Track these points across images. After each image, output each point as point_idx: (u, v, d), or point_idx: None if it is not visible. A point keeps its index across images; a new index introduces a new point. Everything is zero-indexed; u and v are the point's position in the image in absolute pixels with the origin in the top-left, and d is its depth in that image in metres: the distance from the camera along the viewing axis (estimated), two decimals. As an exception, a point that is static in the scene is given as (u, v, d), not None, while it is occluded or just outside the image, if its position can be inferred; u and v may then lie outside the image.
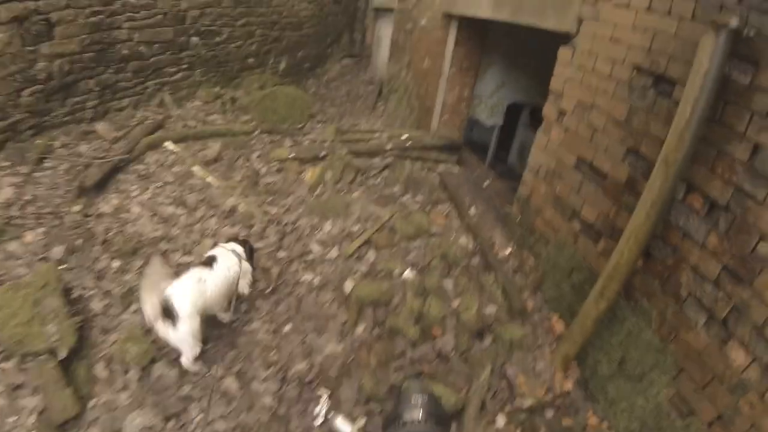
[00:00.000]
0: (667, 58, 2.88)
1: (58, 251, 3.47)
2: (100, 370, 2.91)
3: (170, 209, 4.13)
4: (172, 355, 3.04)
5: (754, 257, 2.27)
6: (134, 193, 4.23)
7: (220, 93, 6.64)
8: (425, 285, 3.76)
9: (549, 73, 6.38)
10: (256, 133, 5.94)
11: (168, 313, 2.71)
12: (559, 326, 3.69)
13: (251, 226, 4.17)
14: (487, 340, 3.45)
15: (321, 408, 2.99)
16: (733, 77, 2.42)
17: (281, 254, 4.02)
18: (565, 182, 3.78)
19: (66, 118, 4.89)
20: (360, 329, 3.46)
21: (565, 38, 3.86)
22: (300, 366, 3.17)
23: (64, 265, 3.42)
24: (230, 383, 3.01)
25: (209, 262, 3.12)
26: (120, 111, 5.51)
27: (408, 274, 3.90)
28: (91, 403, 2.75)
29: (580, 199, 3.59)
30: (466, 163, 6.37)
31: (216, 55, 6.89)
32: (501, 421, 3.03)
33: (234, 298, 3.27)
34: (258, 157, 5.41)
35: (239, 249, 3.33)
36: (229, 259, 3.20)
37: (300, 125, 6.59)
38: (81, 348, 2.94)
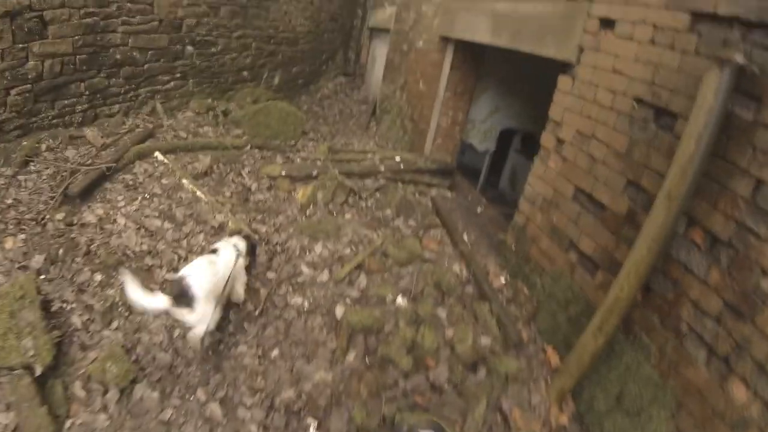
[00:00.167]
0: (669, 91, 2.88)
1: (38, 260, 3.30)
2: (78, 389, 2.74)
3: (157, 222, 3.98)
4: (154, 377, 2.89)
5: (756, 293, 2.25)
6: (120, 204, 4.08)
7: (213, 105, 6.52)
8: (418, 313, 3.67)
9: (543, 99, 6.43)
10: (248, 148, 5.83)
11: (184, 295, 2.77)
12: (554, 358, 3.61)
13: (239, 249, 4.03)
14: (482, 373, 3.35)
15: (309, 439, 2.86)
16: (736, 113, 2.43)
17: (270, 275, 3.89)
18: (562, 212, 3.74)
19: (54, 121, 4.73)
20: (351, 357, 3.34)
21: (564, 66, 3.86)
22: (288, 394, 3.03)
23: (44, 276, 3.25)
24: (214, 409, 2.86)
25: (214, 252, 3.20)
26: (110, 117, 5.36)
27: (400, 301, 3.81)
28: (67, 424, 2.57)
29: (578, 230, 3.56)
30: (459, 187, 6.34)
31: (210, 66, 6.79)
32: (496, 458, 2.93)
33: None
34: (249, 172, 5.30)
35: (240, 245, 3.38)
36: (229, 253, 3.24)
37: (292, 142, 6.51)
38: (58, 365, 2.77)
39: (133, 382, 2.83)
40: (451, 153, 6.95)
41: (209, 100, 6.64)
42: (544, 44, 4.17)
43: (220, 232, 4.12)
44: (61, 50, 4.56)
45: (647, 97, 3.03)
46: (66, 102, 4.80)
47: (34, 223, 3.59)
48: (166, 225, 4.00)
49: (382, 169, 5.88)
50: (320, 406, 2.99)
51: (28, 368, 2.61)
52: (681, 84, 2.80)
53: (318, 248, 4.29)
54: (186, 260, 3.72)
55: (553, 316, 3.72)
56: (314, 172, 5.40)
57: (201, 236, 4.00)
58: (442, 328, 3.60)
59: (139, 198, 4.21)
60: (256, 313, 3.53)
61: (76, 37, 4.70)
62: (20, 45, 4.19)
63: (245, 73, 7.64)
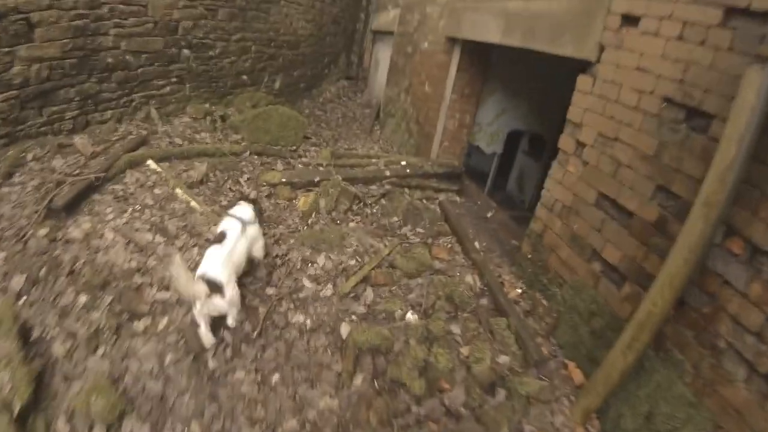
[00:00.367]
0: (701, 90, 2.64)
1: (18, 281, 3.05)
2: (62, 425, 2.48)
3: (148, 236, 3.72)
4: (144, 409, 2.63)
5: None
6: (109, 217, 3.82)
7: (211, 110, 6.27)
8: (430, 330, 3.39)
9: (551, 100, 6.16)
10: (247, 154, 5.58)
11: (213, 286, 2.87)
12: (576, 374, 3.35)
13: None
14: (501, 395, 3.08)
15: (313, 476, 2.60)
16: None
17: (269, 291, 3.62)
18: (584, 219, 3.48)
19: (42, 129, 4.50)
20: (358, 381, 3.06)
21: (583, 65, 3.62)
22: (290, 423, 2.75)
23: (25, 298, 3.00)
24: (209, 444, 2.60)
25: (220, 238, 3.24)
26: (102, 124, 5.12)
27: (410, 316, 3.54)
28: (51, 465, 2.33)
29: (602, 238, 3.29)
30: (467, 192, 6.08)
31: (208, 70, 6.55)
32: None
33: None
34: (247, 180, 5.04)
35: (245, 214, 3.51)
36: (236, 233, 3.32)
37: (293, 147, 6.25)
38: (39, 399, 2.52)
39: (122, 416, 2.57)
40: (459, 156, 6.70)
41: (207, 105, 6.40)
42: (561, 43, 3.92)
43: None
44: (49, 54, 4.33)
45: (677, 96, 2.80)
46: (55, 109, 4.56)
47: (15, 239, 3.35)
48: (158, 239, 3.74)
49: (388, 174, 5.63)
50: (326, 438, 2.72)
51: (6, 406, 2.36)
52: (715, 82, 2.57)
53: (321, 260, 4.03)
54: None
55: (575, 330, 3.45)
56: (316, 179, 5.15)
57: (195, 250, 3.73)
58: (457, 347, 3.33)
59: (129, 210, 3.95)
60: (255, 334, 3.26)
61: (65, 41, 4.48)
62: (5, 49, 3.98)
63: (244, 77, 7.41)
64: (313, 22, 8.97)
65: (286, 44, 8.31)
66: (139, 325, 3.09)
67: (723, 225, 2.43)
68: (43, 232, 3.45)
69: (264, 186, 4.98)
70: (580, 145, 3.58)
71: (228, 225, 3.36)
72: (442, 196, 5.67)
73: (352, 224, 4.68)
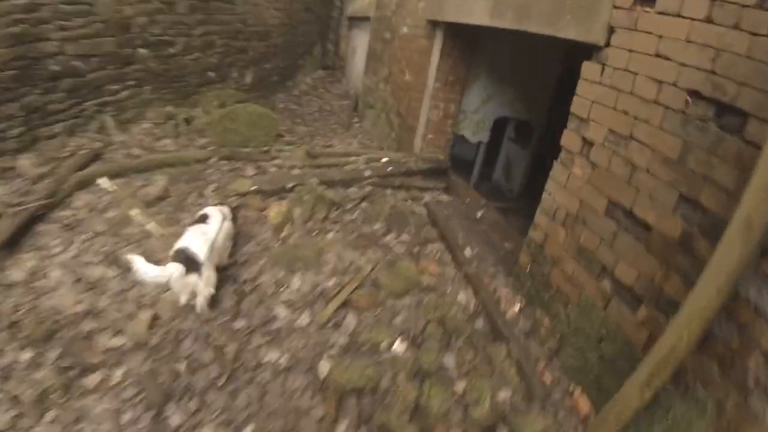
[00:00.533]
0: (736, 83, 2.21)
1: (-55, 341, 2.63)
2: None
3: (99, 270, 3.29)
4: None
5: None
6: (55, 250, 3.39)
7: (173, 113, 5.78)
8: (421, 363, 3.02)
9: (539, 84, 5.65)
10: (213, 160, 5.13)
11: (190, 263, 2.91)
12: (583, 403, 3.00)
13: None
14: (502, 438, 2.73)
15: None
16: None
17: (239, 324, 3.22)
18: (592, 231, 3.07)
19: (-19, 151, 4.04)
20: (342, 428, 2.69)
21: (590, 50, 3.15)
22: (264, 489, 2.39)
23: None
24: None
25: (203, 219, 3.36)
26: (51, 139, 4.64)
27: (398, 347, 3.16)
28: None
29: (614, 253, 2.89)
30: (454, 188, 5.68)
31: (169, 69, 6.05)
32: None
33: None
34: (214, 191, 4.59)
35: (225, 210, 3.64)
36: (219, 216, 3.43)
37: (265, 148, 5.80)
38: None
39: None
40: (444, 149, 6.28)
41: (169, 108, 5.90)
42: (562, 24, 3.43)
43: (176, 274, 3.44)
44: (-18, 67, 3.86)
45: (705, 89, 2.35)
46: (-6, 127, 4.09)
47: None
48: (110, 272, 3.31)
49: (368, 173, 5.21)
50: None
51: None
52: (752, 74, 2.13)
53: (296, 282, 3.62)
54: (133, 318, 3.05)
55: (582, 354, 3.09)
56: (290, 185, 4.71)
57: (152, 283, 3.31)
58: (451, 382, 2.95)
59: (78, 240, 3.51)
60: (223, 379, 2.87)
61: (2, 51, 4.00)
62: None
63: (211, 74, 6.91)
64: (283, 11, 8.46)
65: (256, 35, 7.80)
66: (91, 380, 2.68)
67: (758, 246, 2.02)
68: (-24, 277, 3.02)
69: (232, 196, 4.54)
70: (588, 143, 3.15)
71: (210, 211, 3.47)
72: (428, 196, 5.27)
73: (330, 235, 4.27)
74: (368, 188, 5.06)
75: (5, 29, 4.00)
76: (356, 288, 3.59)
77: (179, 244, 3.03)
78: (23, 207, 3.51)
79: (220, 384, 2.83)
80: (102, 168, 4.28)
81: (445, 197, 5.39)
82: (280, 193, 4.66)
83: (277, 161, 5.53)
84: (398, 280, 3.68)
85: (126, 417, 2.54)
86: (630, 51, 2.81)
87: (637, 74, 2.76)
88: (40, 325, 2.83)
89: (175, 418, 2.60)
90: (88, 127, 5.01)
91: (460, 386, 2.92)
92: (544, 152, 7.39)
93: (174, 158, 4.80)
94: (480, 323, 3.43)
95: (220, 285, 3.40)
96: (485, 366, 3.07)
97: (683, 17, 2.47)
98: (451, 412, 2.76)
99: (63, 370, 2.67)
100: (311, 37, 9.66)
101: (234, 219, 3.79)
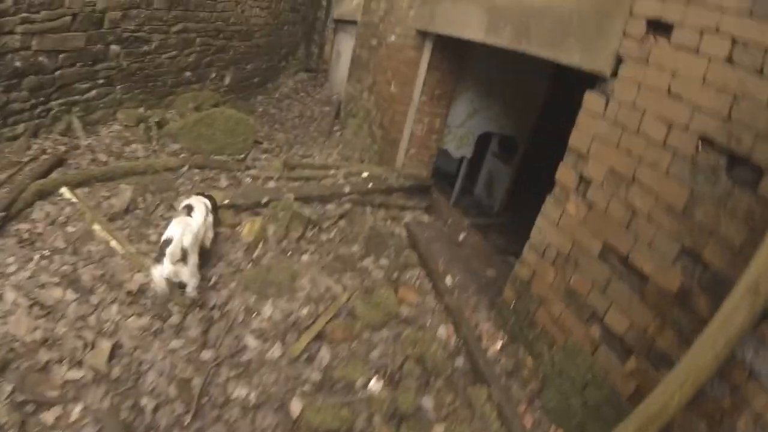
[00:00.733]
0: (753, 134, 2.08)
1: None
2: None
3: (57, 293, 3.03)
4: None
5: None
6: (10, 269, 3.10)
7: (145, 115, 5.49)
8: (398, 404, 2.85)
9: (525, 100, 5.45)
10: (185, 169, 4.87)
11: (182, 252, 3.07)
12: (564, 449, 2.89)
13: (165, 317, 3.13)
14: (481, 491, 2.59)
15: None
16: None
17: (206, 355, 3.00)
18: (584, 274, 2.92)
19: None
20: (311, 476, 2.53)
21: (594, 80, 2.99)
22: None
23: None
24: None
25: (188, 210, 3.47)
26: (13, 140, 4.33)
27: (374, 385, 2.99)
28: None
29: (606, 300, 2.76)
30: (436, 207, 5.53)
31: (143, 68, 5.76)
32: None
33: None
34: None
35: (208, 202, 3.77)
36: (202, 208, 3.60)
37: (241, 156, 5.58)
38: None
39: None
40: (427, 165, 6.11)
41: (141, 110, 5.61)
42: (565, 48, 3.25)
43: (139, 298, 3.20)
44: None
45: (719, 137, 2.21)
46: (-52, 128, 3.79)
47: None
48: (69, 295, 3.05)
49: (347, 189, 5.02)
50: None
51: None
52: (773, 126, 2.01)
53: (267, 309, 3.42)
54: (93, 347, 2.81)
55: (565, 398, 2.96)
56: (264, 199, 4.50)
57: (114, 308, 3.07)
58: (429, 425, 2.80)
59: (36, 257, 3.24)
60: (189, 417, 2.65)
61: (-42, 44, 3.70)
62: None
63: (188, 74, 6.63)
64: (268, 10, 8.19)
65: (237, 35, 7.53)
66: (48, 416, 2.44)
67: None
68: None
69: (204, 210, 4.31)
70: (585, 181, 2.99)
71: (193, 202, 3.60)
72: (408, 216, 5.11)
73: (305, 257, 4.07)
74: (347, 205, 4.88)
75: (-36, 21, 3.71)
76: (331, 318, 3.41)
77: (166, 234, 3.14)
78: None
79: (185, 422, 2.62)
80: (64, 176, 3.99)
81: (426, 217, 5.24)
82: (254, 208, 4.45)
83: (252, 171, 5.31)
84: (376, 311, 3.51)
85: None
86: (639, 86, 2.64)
87: (645, 112, 2.60)
88: (-8, 355, 2.59)
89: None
90: (53, 128, 4.70)
91: (438, 430, 2.77)
92: (528, 169, 7.37)
93: (143, 166, 4.53)
94: (460, 361, 3.28)
95: (188, 311, 3.20)
96: (465, 409, 2.92)
97: (701, 55, 2.32)
98: (428, 462, 2.61)
99: (18, 406, 2.42)
100: (296, 38, 9.40)
101: (215, 210, 3.91)
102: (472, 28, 4.38)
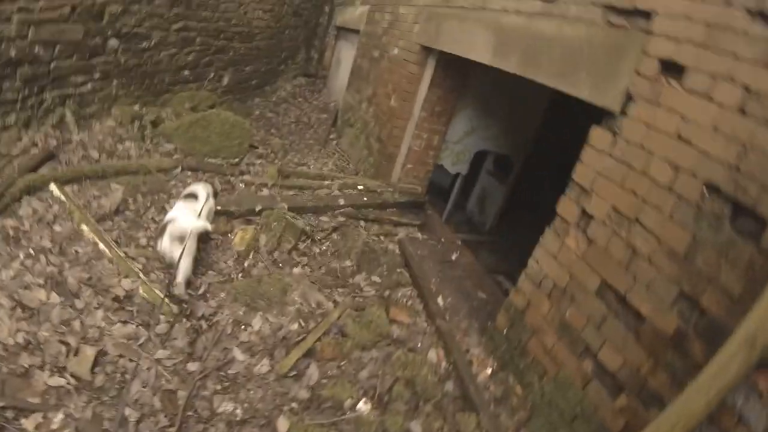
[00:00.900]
0: (759, 185, 2.06)
1: None
2: None
3: (41, 295, 2.92)
4: None
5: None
6: (-6, 268, 3.02)
7: (140, 113, 5.38)
8: (386, 427, 2.80)
9: (521, 120, 5.37)
10: (178, 170, 4.78)
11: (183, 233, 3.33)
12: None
13: (151, 325, 3.04)
14: None
15: None
16: None
17: (192, 366, 2.92)
18: (579, 309, 2.89)
19: None
20: (295, 501, 2.45)
21: (602, 115, 2.96)
22: None
23: None
24: None
25: (192, 196, 3.82)
26: (4, 131, 4.20)
27: (362, 406, 2.93)
28: None
29: (600, 336, 2.73)
30: (430, 224, 5.49)
31: (141, 64, 5.65)
32: None
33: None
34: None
35: (209, 187, 4.05)
36: (204, 194, 3.87)
37: (236, 160, 5.50)
38: None
39: None
40: (423, 181, 6.08)
41: (136, 107, 5.49)
42: (574, 80, 3.19)
43: (126, 304, 3.10)
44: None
45: (726, 186, 2.19)
46: (-62, 116, 3.67)
47: None
48: (54, 298, 2.94)
49: (342, 202, 4.97)
50: None
51: None
52: (780, 180, 1.99)
53: (256, 323, 3.35)
54: (77, 353, 2.71)
55: (553, 428, 2.91)
56: (258, 207, 4.43)
57: (99, 314, 2.97)
58: (417, 452, 2.76)
59: (21, 256, 3.14)
60: (173, 429, 2.56)
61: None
62: None
63: (186, 73, 6.53)
64: (271, 13, 8.13)
65: (238, 36, 7.45)
66: (29, 423, 2.34)
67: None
68: None
69: (197, 214, 4.23)
70: (587, 216, 2.96)
71: (196, 189, 3.89)
72: (402, 233, 5.06)
73: (297, 270, 4.00)
74: (341, 218, 4.83)
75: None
76: (321, 335, 3.35)
77: (168, 215, 3.52)
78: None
79: (168, 434, 2.54)
80: (54, 172, 3.89)
81: (419, 235, 5.19)
82: (246, 216, 4.37)
83: (246, 177, 5.23)
84: (366, 330, 3.45)
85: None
86: (648, 126, 2.62)
87: (652, 154, 2.57)
88: (-31, 358, 2.48)
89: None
90: (46, 120, 4.57)
91: (426, 459, 2.73)
92: (521, 189, 7.39)
93: (135, 165, 4.44)
94: (450, 386, 3.22)
95: (175, 320, 3.11)
96: (454, 438, 2.88)
97: (713, 101, 2.30)
98: (415, 492, 2.55)
99: (-1, 411, 2.34)
100: (296, 42, 9.33)
101: (216, 195, 4.19)
102: (478, 50, 4.35)
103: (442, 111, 5.74)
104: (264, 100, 8.31)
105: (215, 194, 4.17)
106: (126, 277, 3.24)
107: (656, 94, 2.59)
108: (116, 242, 3.53)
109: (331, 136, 7.53)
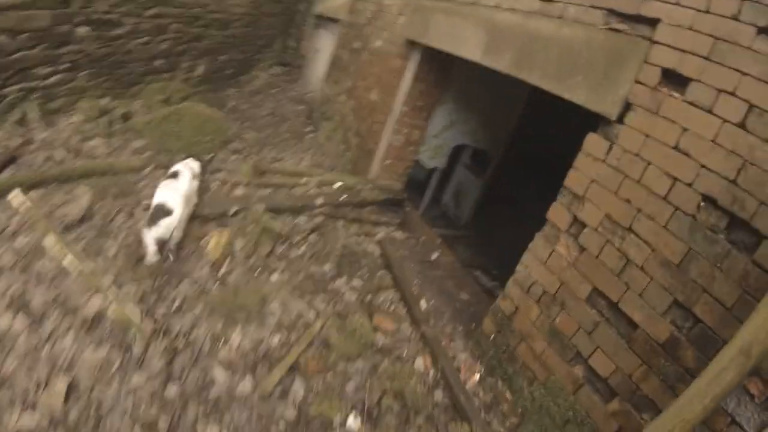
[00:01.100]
0: (757, 201, 2.09)
1: None
2: None
3: (4, 321, 2.74)
4: None
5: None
6: (-49, 291, 2.81)
7: (109, 106, 5.12)
8: (376, 445, 2.74)
9: (500, 115, 5.64)
10: (149, 169, 4.56)
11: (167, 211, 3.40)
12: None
13: (126, 347, 2.88)
14: None
15: None
16: None
17: (171, 391, 2.76)
18: (570, 315, 2.88)
19: None
20: None
21: (599, 121, 2.91)
22: None
23: None
24: None
25: (174, 175, 3.81)
26: (-37, 130, 3.95)
27: (352, 423, 2.85)
28: None
29: (592, 343, 2.73)
30: (409, 222, 5.40)
31: (111, 53, 5.35)
32: None
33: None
34: (146, 209, 4.04)
35: (195, 165, 4.18)
36: (188, 174, 3.89)
37: (209, 156, 5.28)
38: None
39: None
40: (401, 177, 5.97)
41: (105, 100, 5.23)
42: (570, 84, 3.11)
43: (96, 326, 2.92)
44: None
45: (723, 199, 2.22)
46: None
47: None
48: (19, 323, 2.74)
49: (320, 201, 4.83)
50: None
51: None
52: (777, 196, 2.01)
53: (236, 337, 3.21)
54: (46, 385, 2.53)
55: None
56: (232, 210, 4.26)
57: (69, 337, 2.79)
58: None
59: (-21, 277, 2.94)
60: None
61: None
62: None
63: (159, 63, 6.24)
64: (250, -1, 7.79)
65: (215, 23, 7.14)
66: None
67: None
68: None
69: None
70: (579, 223, 2.93)
71: (180, 167, 3.92)
72: (381, 232, 4.96)
73: (275, 276, 3.86)
74: (319, 219, 4.69)
75: None
76: (305, 349, 3.24)
77: (156, 200, 3.48)
78: None
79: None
80: (15, 176, 3.66)
81: (399, 234, 5.10)
82: (220, 218, 4.21)
83: (220, 174, 5.03)
84: (351, 340, 3.37)
85: None
86: (646, 135, 2.59)
87: (649, 164, 2.56)
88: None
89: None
90: (8, 116, 4.29)
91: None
92: (500, 183, 7.33)
93: (103, 166, 4.21)
94: (439, 395, 3.17)
95: (150, 340, 2.95)
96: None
97: (714, 115, 2.29)
98: None
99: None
100: (274, 30, 8.98)
101: (203, 173, 4.36)
102: (468, 47, 4.21)
103: (423, 106, 5.62)
104: (239, 91, 8.04)
105: (203, 168, 4.38)
106: (96, 293, 3.05)
107: (657, 104, 2.56)
108: (84, 253, 3.33)
109: (308, 129, 7.33)
